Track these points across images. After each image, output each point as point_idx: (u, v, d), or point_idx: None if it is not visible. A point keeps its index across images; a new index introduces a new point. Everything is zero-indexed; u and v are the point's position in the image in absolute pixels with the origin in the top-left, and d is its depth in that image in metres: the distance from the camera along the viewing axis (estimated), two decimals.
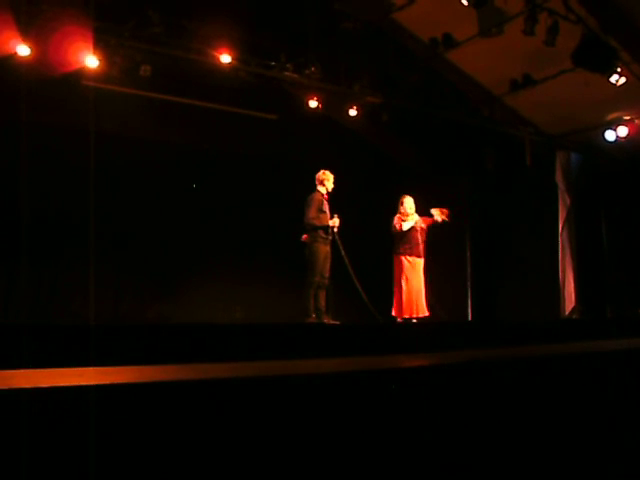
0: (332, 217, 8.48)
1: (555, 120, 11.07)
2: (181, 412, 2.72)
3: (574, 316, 11.22)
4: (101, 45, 8.31)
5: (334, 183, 8.67)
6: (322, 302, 8.37)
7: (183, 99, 10.53)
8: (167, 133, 10.70)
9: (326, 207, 8.53)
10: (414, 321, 8.99)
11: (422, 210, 9.43)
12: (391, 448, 3.17)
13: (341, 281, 8.99)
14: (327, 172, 8.67)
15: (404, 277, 9.13)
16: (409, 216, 9.23)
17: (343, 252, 8.70)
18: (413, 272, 9.11)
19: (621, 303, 11.16)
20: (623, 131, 10.61)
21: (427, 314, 9.10)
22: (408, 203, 9.30)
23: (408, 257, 9.15)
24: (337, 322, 8.32)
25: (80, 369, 3.23)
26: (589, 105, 10.20)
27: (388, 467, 3.13)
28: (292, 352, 4.77)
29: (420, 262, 9.15)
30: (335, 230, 8.53)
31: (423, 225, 9.25)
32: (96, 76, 8.77)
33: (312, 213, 8.41)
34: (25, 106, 8.10)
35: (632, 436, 4.22)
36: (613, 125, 10.70)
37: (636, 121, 10.55)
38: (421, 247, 9.15)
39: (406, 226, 9.16)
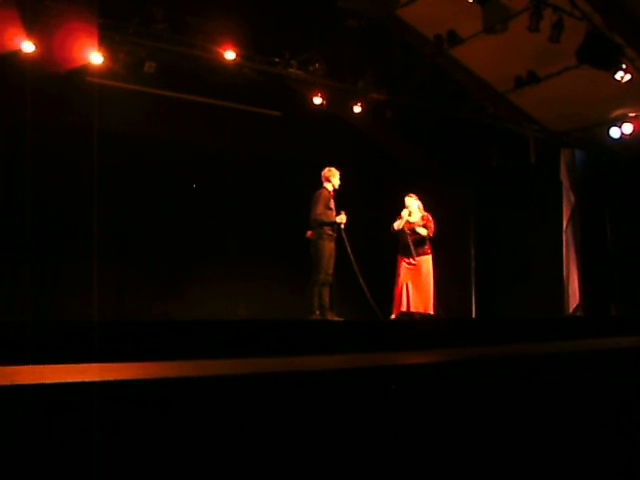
0: (339, 214, 8.48)
1: (560, 117, 11.05)
2: (184, 409, 2.72)
3: (578, 313, 11.21)
4: (105, 42, 8.31)
5: (339, 179, 8.67)
6: (326, 299, 8.37)
7: (187, 96, 10.53)
8: (171, 130, 10.69)
9: (333, 204, 8.53)
10: (416, 317, 8.97)
11: (427, 208, 9.42)
12: (394, 444, 3.16)
13: (345, 278, 8.99)
14: (333, 169, 8.67)
15: (398, 277, 9.18)
16: (402, 217, 9.23)
17: (349, 249, 8.70)
18: (408, 272, 9.11)
19: (625, 301, 11.13)
20: (628, 128, 10.57)
21: (430, 312, 9.07)
22: (407, 202, 9.30)
23: (402, 258, 9.18)
24: (341, 319, 8.32)
25: (83, 365, 3.23)
26: (594, 102, 10.18)
27: (391, 464, 3.13)
28: (296, 349, 4.77)
29: (418, 262, 9.09)
30: (342, 227, 8.54)
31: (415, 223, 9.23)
32: (100, 73, 8.77)
33: (320, 209, 8.40)
34: (29, 103, 8.09)
35: (636, 435, 4.21)
36: (618, 122, 10.67)
37: None
38: (412, 247, 9.10)
39: (396, 226, 9.19)
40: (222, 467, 2.69)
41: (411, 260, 9.09)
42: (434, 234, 9.22)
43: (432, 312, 9.10)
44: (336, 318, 8.35)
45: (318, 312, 8.26)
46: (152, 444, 2.57)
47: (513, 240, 12.08)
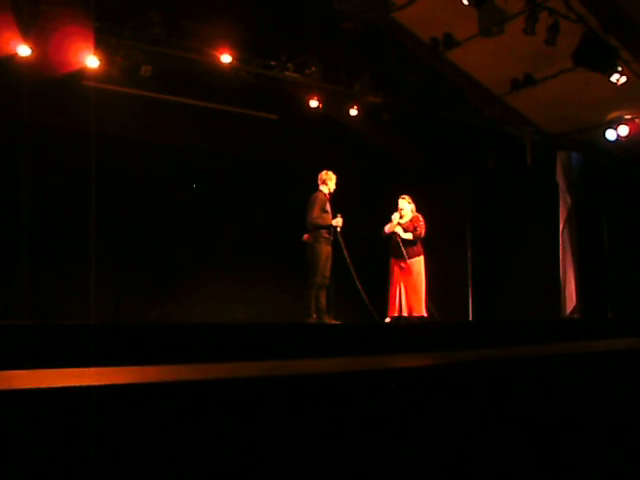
0: (334, 217, 8.49)
1: (556, 119, 11.06)
2: (182, 413, 2.72)
3: (575, 315, 11.21)
4: (102, 45, 8.32)
5: (335, 183, 8.68)
6: (323, 302, 8.37)
7: (184, 99, 10.54)
8: (168, 133, 10.71)
9: (329, 207, 8.54)
10: (404, 319, 8.93)
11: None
12: (391, 447, 3.17)
13: (342, 281, 8.99)
14: (330, 172, 8.68)
15: (390, 278, 9.16)
16: (392, 220, 9.21)
17: (345, 252, 8.70)
18: (400, 274, 9.08)
19: (622, 302, 11.15)
20: (624, 130, 10.59)
21: (422, 314, 9.02)
22: (400, 204, 9.28)
23: (394, 260, 9.16)
24: (338, 322, 8.33)
25: (81, 369, 3.23)
26: (590, 104, 10.19)
27: (389, 466, 3.13)
28: (293, 352, 4.77)
29: (409, 264, 9.06)
30: (338, 230, 8.54)
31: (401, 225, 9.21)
32: (97, 76, 8.77)
33: (316, 212, 8.40)
34: (26, 107, 8.09)
35: (633, 436, 4.22)
36: (614, 124, 10.68)
37: (637, 120, 10.53)
38: (403, 249, 9.07)
39: (386, 229, 9.18)
40: (221, 471, 2.69)
41: (401, 263, 9.06)
42: (425, 235, 9.16)
43: (425, 314, 9.06)
44: (333, 321, 8.36)
45: (315, 315, 8.27)
46: (150, 448, 2.57)
47: (509, 242, 12.10)
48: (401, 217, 9.22)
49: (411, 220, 9.18)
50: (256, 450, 2.78)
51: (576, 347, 5.86)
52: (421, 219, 9.19)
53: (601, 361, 5.00)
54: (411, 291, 9.00)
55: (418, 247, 9.15)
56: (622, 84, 9.17)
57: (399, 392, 3.38)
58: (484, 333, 7.10)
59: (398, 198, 9.36)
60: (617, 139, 10.73)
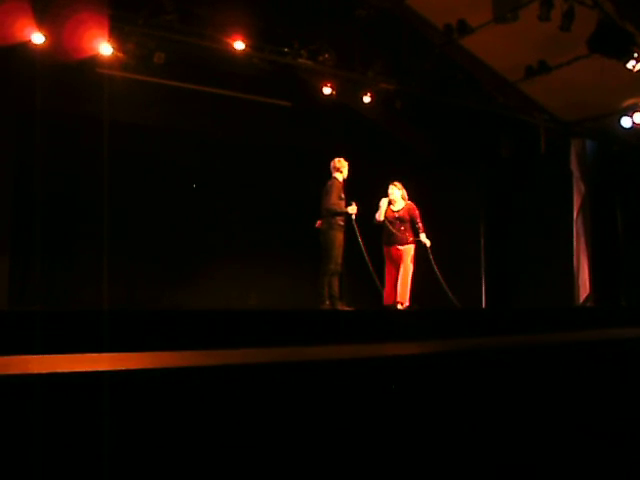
0: (349, 204, 8.48)
1: (570, 107, 10.99)
2: (195, 398, 2.73)
3: (588, 304, 11.17)
4: (115, 32, 8.32)
5: (347, 170, 8.67)
6: (336, 289, 8.38)
7: (197, 86, 10.54)
8: (181, 120, 10.71)
9: (343, 194, 8.54)
10: (399, 307, 8.86)
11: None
12: (403, 432, 3.18)
13: (355, 268, 8.99)
14: (342, 159, 8.66)
15: (387, 267, 9.07)
16: (380, 206, 9.10)
17: (360, 239, 8.69)
18: (391, 261, 9.00)
19: (635, 291, 11.10)
20: (639, 118, 10.51)
21: (407, 302, 8.91)
22: (390, 190, 9.14)
23: (387, 247, 9.06)
24: (351, 308, 8.34)
25: (94, 355, 3.25)
26: (605, 91, 10.11)
27: (401, 450, 3.14)
28: (306, 338, 4.78)
29: (400, 251, 8.93)
30: (353, 217, 8.54)
31: (401, 213, 9.05)
32: (110, 63, 8.79)
33: (333, 199, 8.38)
34: (39, 93, 8.12)
35: None
36: (629, 112, 10.59)
37: None
38: (396, 236, 8.98)
39: (377, 216, 9.05)
40: (232, 455, 2.71)
41: (397, 249, 8.94)
42: (422, 222, 9.06)
43: (408, 302, 8.94)
44: (346, 308, 8.37)
45: (328, 302, 8.28)
46: (162, 433, 2.59)
47: (523, 230, 12.06)
48: (391, 203, 9.10)
49: (406, 209, 9.03)
50: (266, 435, 2.80)
51: (589, 335, 5.85)
52: (415, 207, 9.05)
53: (614, 349, 4.99)
54: (404, 278, 8.89)
55: (412, 235, 9.03)
56: (638, 71, 9.09)
57: (410, 378, 3.39)
58: (497, 321, 7.10)
59: (389, 184, 9.20)
60: (632, 127, 10.64)
